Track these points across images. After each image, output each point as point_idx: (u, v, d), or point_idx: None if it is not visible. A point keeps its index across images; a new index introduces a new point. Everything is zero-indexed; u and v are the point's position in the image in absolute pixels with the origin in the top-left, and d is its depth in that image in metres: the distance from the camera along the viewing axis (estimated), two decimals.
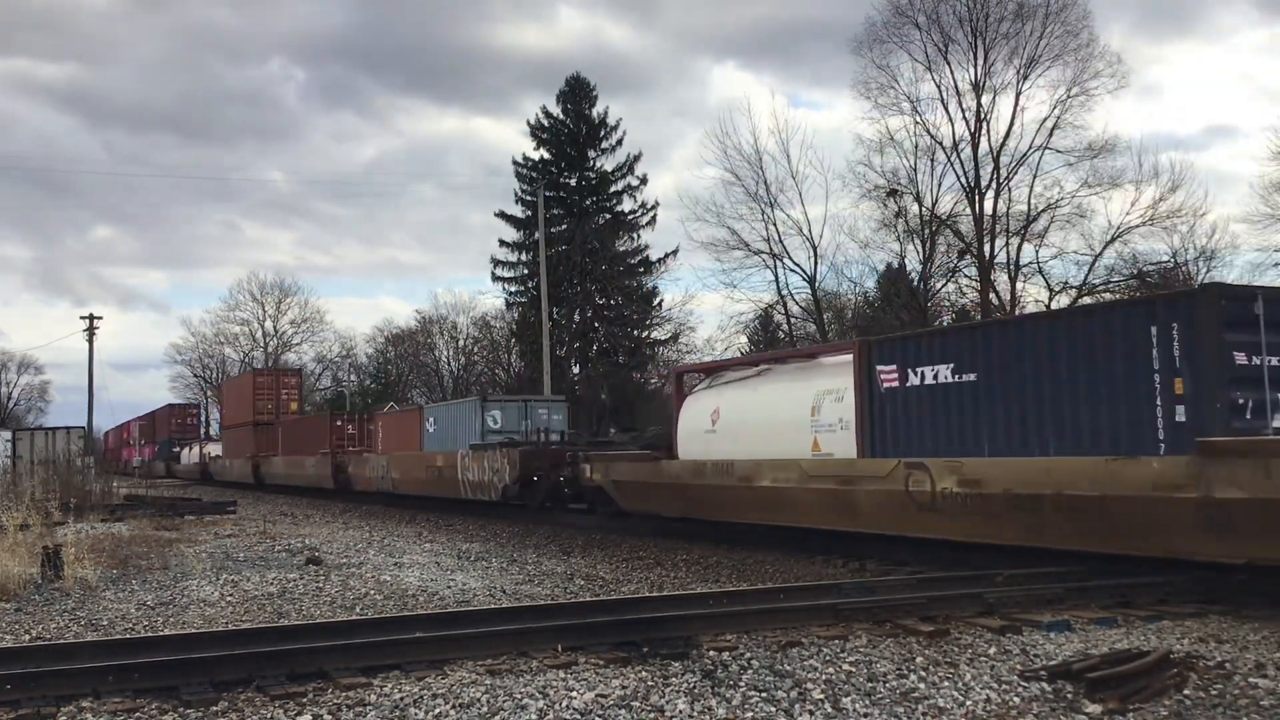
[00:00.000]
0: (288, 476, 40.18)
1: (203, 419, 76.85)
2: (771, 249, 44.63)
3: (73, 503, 22.61)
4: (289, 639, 7.89)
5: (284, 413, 47.29)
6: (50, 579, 12.73)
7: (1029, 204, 40.74)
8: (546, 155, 56.50)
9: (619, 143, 56.41)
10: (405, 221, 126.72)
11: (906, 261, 44.20)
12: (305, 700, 6.67)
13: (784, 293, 45.53)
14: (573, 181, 56.27)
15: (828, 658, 7.67)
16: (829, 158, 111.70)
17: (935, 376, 12.56)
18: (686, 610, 8.83)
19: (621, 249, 55.63)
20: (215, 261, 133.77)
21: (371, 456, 32.49)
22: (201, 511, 26.47)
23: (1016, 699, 6.68)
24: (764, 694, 6.75)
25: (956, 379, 12.28)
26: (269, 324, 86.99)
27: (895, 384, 13.12)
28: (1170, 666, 7.15)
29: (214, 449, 56.26)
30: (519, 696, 6.66)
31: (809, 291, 45.37)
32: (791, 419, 14.81)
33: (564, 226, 54.74)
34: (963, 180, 41.68)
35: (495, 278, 58.26)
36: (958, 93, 41.49)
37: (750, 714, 6.39)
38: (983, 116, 41.20)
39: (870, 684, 6.97)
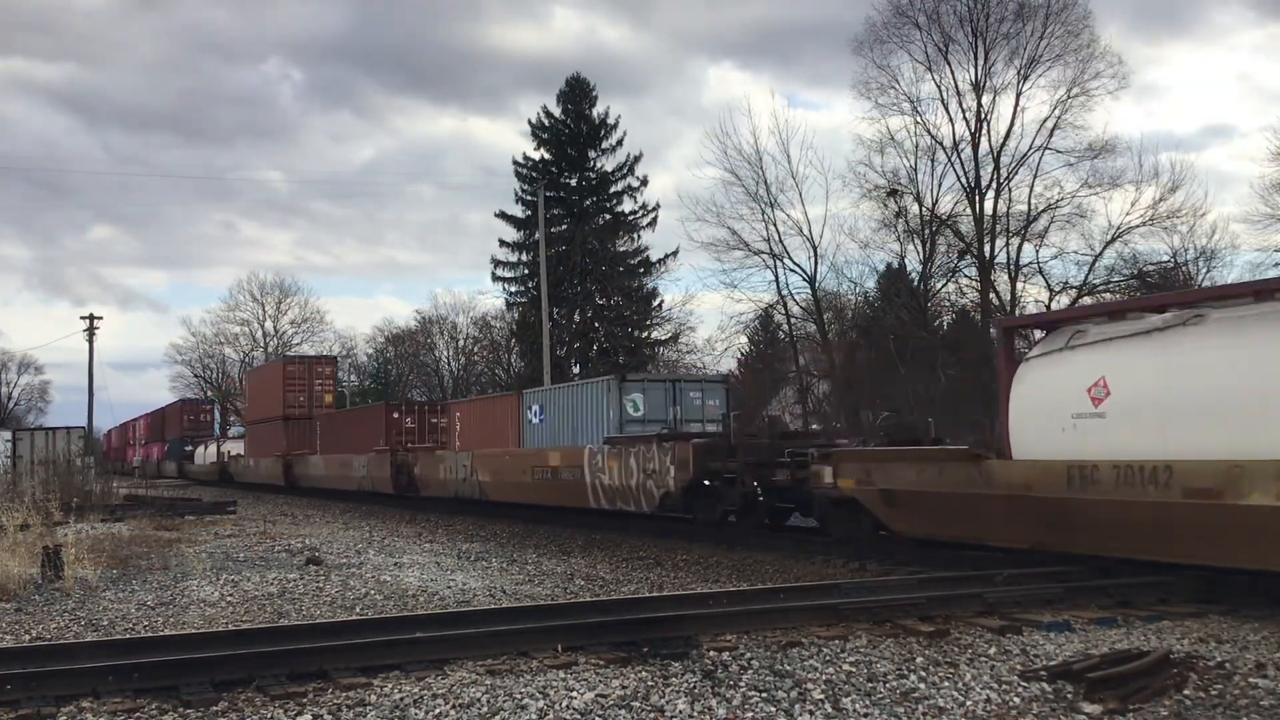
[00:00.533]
0: (330, 478, 35.39)
1: (216, 416, 72.54)
2: (772, 249, 44.66)
3: (74, 503, 22.61)
4: (289, 639, 7.89)
5: (318, 405, 41.84)
6: (50, 579, 12.73)
7: (1029, 204, 40.78)
8: (547, 155, 56.49)
9: (619, 143, 56.43)
10: (403, 221, 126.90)
11: (907, 261, 44.25)
12: (305, 700, 6.67)
13: (784, 293, 45.57)
14: (573, 182, 56.25)
15: (828, 658, 7.67)
16: (827, 158, 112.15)
17: None
18: (686, 610, 8.83)
19: (621, 249, 55.64)
20: (214, 261, 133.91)
21: (448, 454, 27.17)
22: (201, 512, 26.48)
23: (1016, 699, 6.68)
24: (764, 694, 6.75)
25: None
26: (269, 324, 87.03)
27: None
28: (1170, 667, 7.15)
29: (234, 447, 52.03)
30: (519, 697, 6.66)
31: (809, 292, 45.40)
32: None
33: (564, 227, 54.73)
34: (963, 180, 41.72)
35: (495, 278, 58.29)
36: (958, 93, 41.53)
37: (750, 714, 6.39)
38: (983, 117, 41.24)
39: (870, 684, 6.97)
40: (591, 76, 58.34)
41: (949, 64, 41.35)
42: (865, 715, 6.38)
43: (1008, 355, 12.62)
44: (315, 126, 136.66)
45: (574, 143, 56.09)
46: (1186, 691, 6.77)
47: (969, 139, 41.44)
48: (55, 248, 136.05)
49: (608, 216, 55.77)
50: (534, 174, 55.55)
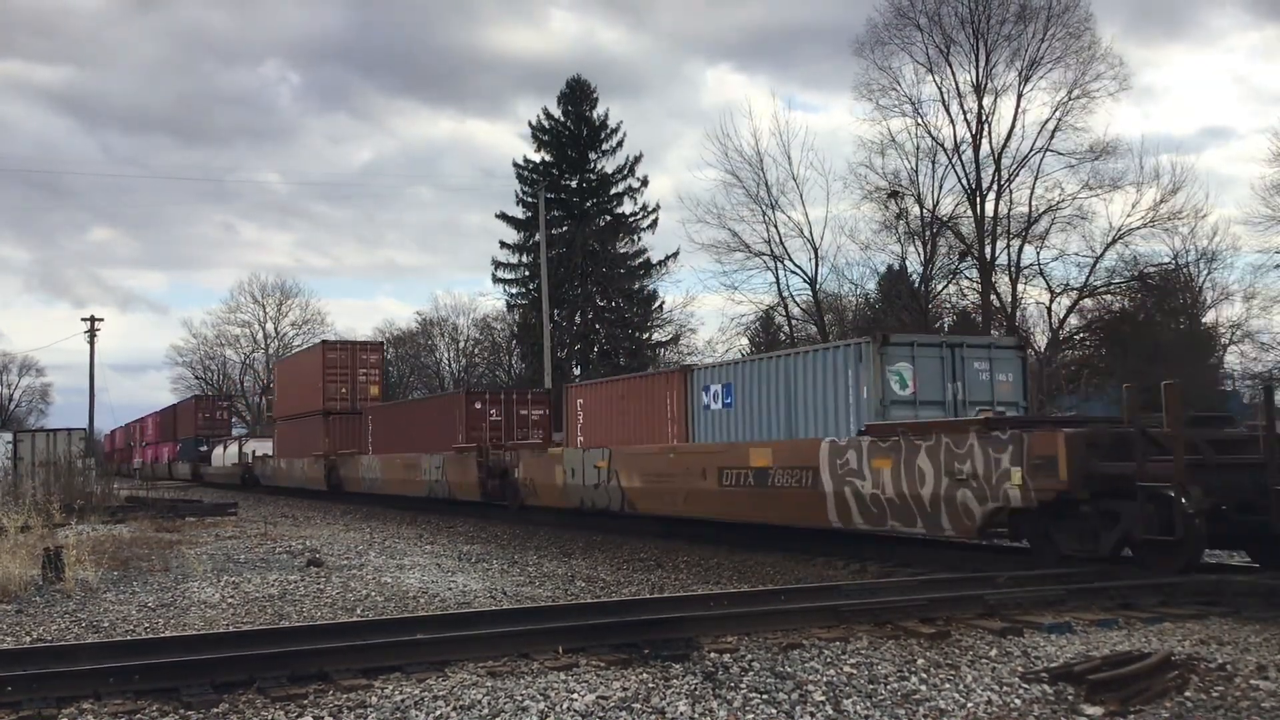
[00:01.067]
0: (389, 482, 30.02)
1: (234, 414, 67.46)
2: (772, 251, 44.66)
3: (75, 504, 22.62)
4: (289, 640, 7.88)
5: (362, 398, 36.44)
6: (51, 580, 12.73)
7: (1030, 206, 40.79)
8: (547, 157, 56.54)
9: (619, 145, 56.48)
10: (402, 223, 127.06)
11: (908, 263, 44.24)
12: (306, 702, 6.66)
13: (785, 294, 45.57)
14: (573, 183, 56.29)
15: (829, 659, 7.67)
16: (826, 160, 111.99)
17: None
18: (687, 612, 8.82)
19: (622, 251, 55.66)
20: (213, 263, 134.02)
21: (569, 453, 21.28)
22: (202, 513, 26.48)
23: (1017, 701, 6.68)
24: (765, 696, 6.75)
25: None
26: (270, 325, 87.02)
27: None
28: (1171, 668, 7.14)
29: (258, 446, 47.05)
30: (520, 698, 6.66)
31: (810, 293, 45.41)
32: None
33: (565, 228, 54.77)
34: (964, 182, 41.72)
35: (496, 279, 58.33)
36: (959, 94, 41.52)
37: (751, 716, 6.39)
38: (984, 118, 41.24)
39: (871, 686, 6.97)
40: (590, 79, 58.23)
41: (950, 65, 41.37)
42: (866, 717, 6.38)
43: None
44: (313, 128, 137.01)
45: (574, 144, 56.12)
46: (1188, 693, 6.76)
47: (970, 140, 41.46)
48: (55, 249, 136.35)
49: (608, 218, 55.80)
50: (534, 176, 55.60)
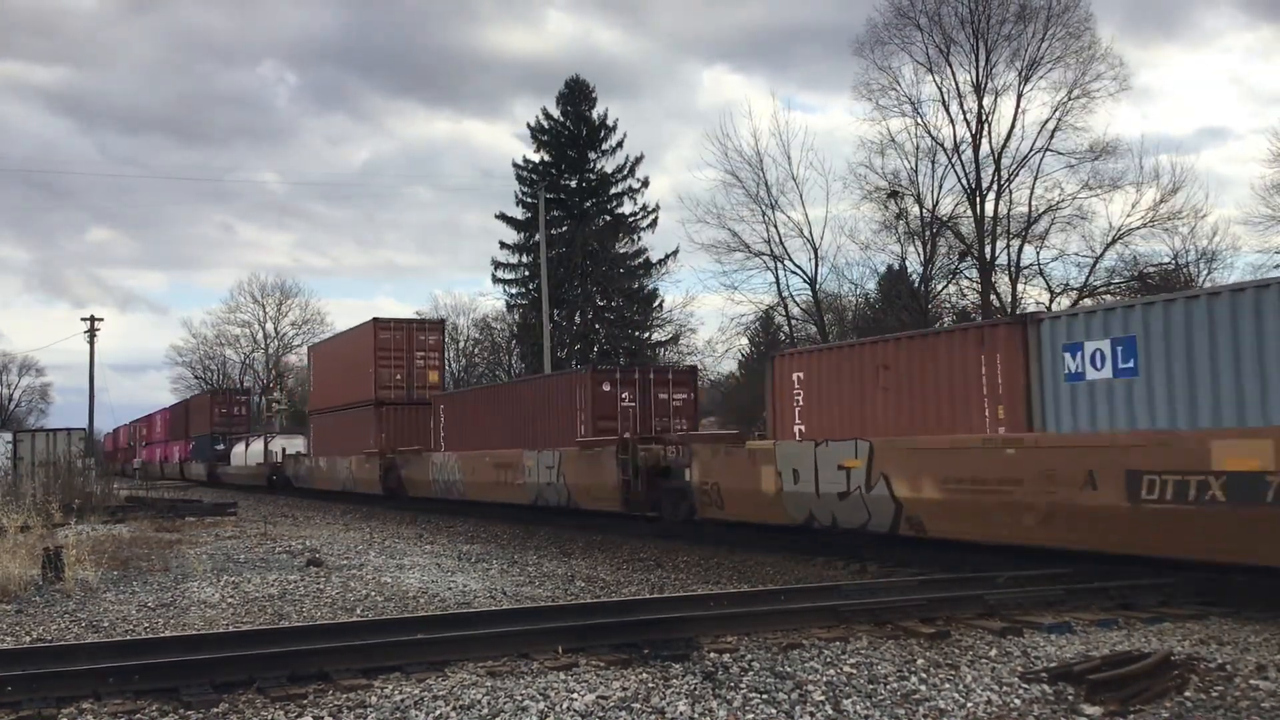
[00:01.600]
0: (476, 486, 24.26)
1: (257, 407, 60.78)
2: (772, 251, 44.66)
3: (75, 504, 22.62)
4: (289, 640, 7.89)
5: (419, 384, 31.45)
6: (51, 580, 12.73)
7: (1030, 206, 40.78)
8: (547, 157, 56.54)
9: (619, 145, 56.49)
10: (401, 223, 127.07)
11: (907, 263, 44.23)
12: (306, 701, 6.67)
13: (785, 294, 45.56)
14: (573, 184, 56.29)
15: (828, 659, 7.67)
16: (824, 160, 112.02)
17: None
18: (687, 612, 8.83)
19: (622, 251, 55.66)
20: (212, 263, 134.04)
21: (789, 447, 15.27)
22: (202, 513, 26.49)
23: (1017, 701, 6.68)
24: (765, 696, 6.75)
25: None
26: (270, 325, 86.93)
27: None
28: (1171, 668, 7.15)
29: (288, 443, 42.14)
30: (520, 698, 6.66)
31: (810, 293, 45.41)
32: None
33: (564, 228, 54.78)
34: (964, 182, 41.72)
35: (495, 279, 58.32)
36: (959, 94, 41.51)
37: (751, 716, 6.39)
38: (984, 118, 41.23)
39: (871, 686, 6.97)
40: (588, 79, 58.22)
41: (950, 65, 41.35)
42: (866, 717, 6.38)
43: None
44: (311, 129, 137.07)
45: (574, 144, 56.13)
46: (1187, 693, 6.76)
47: (970, 140, 41.45)
48: (54, 249, 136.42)
49: (608, 218, 55.81)
50: (534, 176, 55.61)
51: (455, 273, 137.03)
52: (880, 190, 42.45)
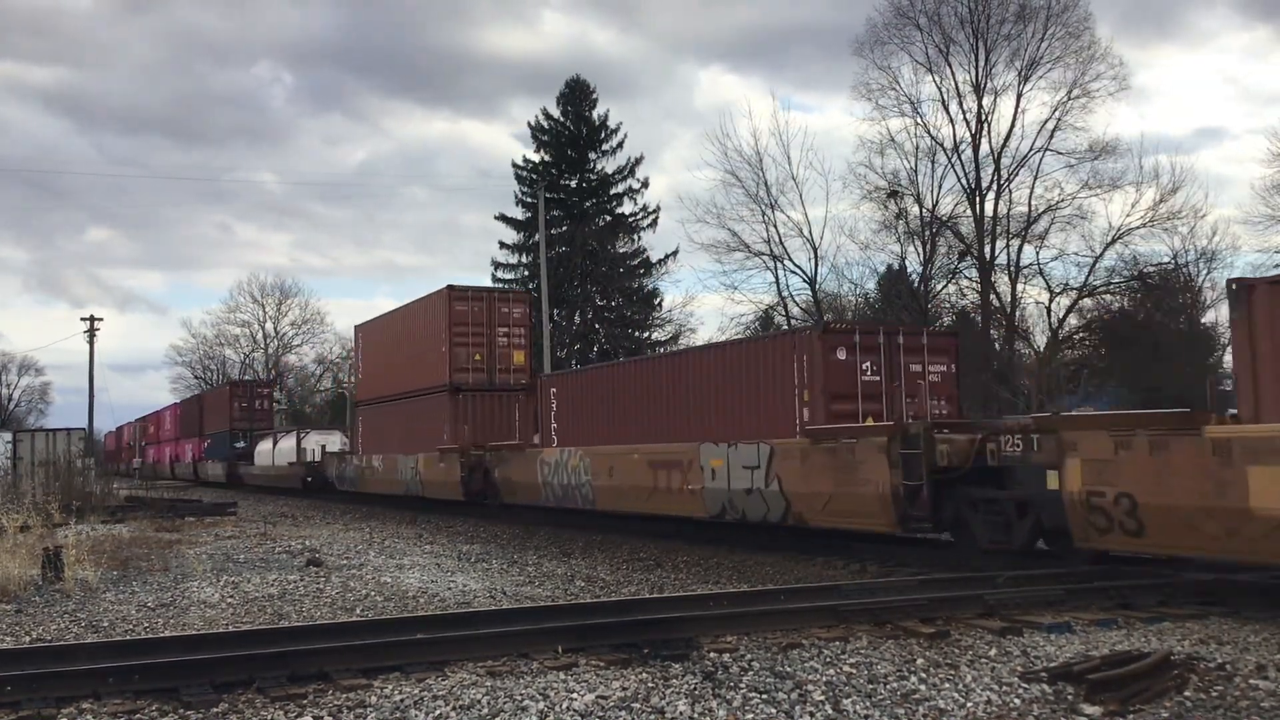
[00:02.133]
0: (623, 492, 18.44)
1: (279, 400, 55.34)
2: (772, 250, 44.73)
3: (75, 504, 22.62)
4: (289, 640, 7.89)
5: (503, 367, 26.13)
6: (51, 580, 12.73)
7: (1029, 205, 40.84)
8: (547, 157, 56.56)
9: (619, 145, 56.52)
10: (399, 224, 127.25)
11: (907, 263, 44.28)
12: (305, 701, 6.67)
13: (784, 294, 45.65)
14: (573, 184, 56.30)
15: (828, 659, 7.67)
16: (823, 160, 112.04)
17: None
18: (687, 612, 8.83)
19: (622, 250, 55.67)
20: (211, 263, 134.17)
21: None
22: (202, 513, 26.49)
23: (1017, 700, 6.68)
24: (765, 695, 6.75)
25: None
26: (269, 325, 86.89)
27: None
28: (1171, 668, 7.15)
29: (324, 440, 37.94)
30: (519, 698, 6.66)
31: (809, 293, 45.44)
32: None
33: (564, 228, 54.81)
34: (963, 182, 41.77)
35: (495, 279, 58.33)
36: (959, 94, 41.57)
37: (751, 715, 6.39)
38: (983, 118, 41.30)
39: (871, 685, 6.97)
40: (588, 79, 58.18)
41: (950, 65, 41.42)
42: (866, 716, 6.38)
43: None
44: (308, 129, 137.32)
45: (574, 145, 56.15)
46: (1187, 693, 6.77)
47: (969, 140, 41.51)
48: (52, 250, 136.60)
49: (608, 218, 55.83)
50: (534, 176, 55.61)
51: (454, 272, 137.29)
52: (880, 190, 42.52)
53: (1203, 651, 7.86)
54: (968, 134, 41.54)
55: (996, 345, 41.59)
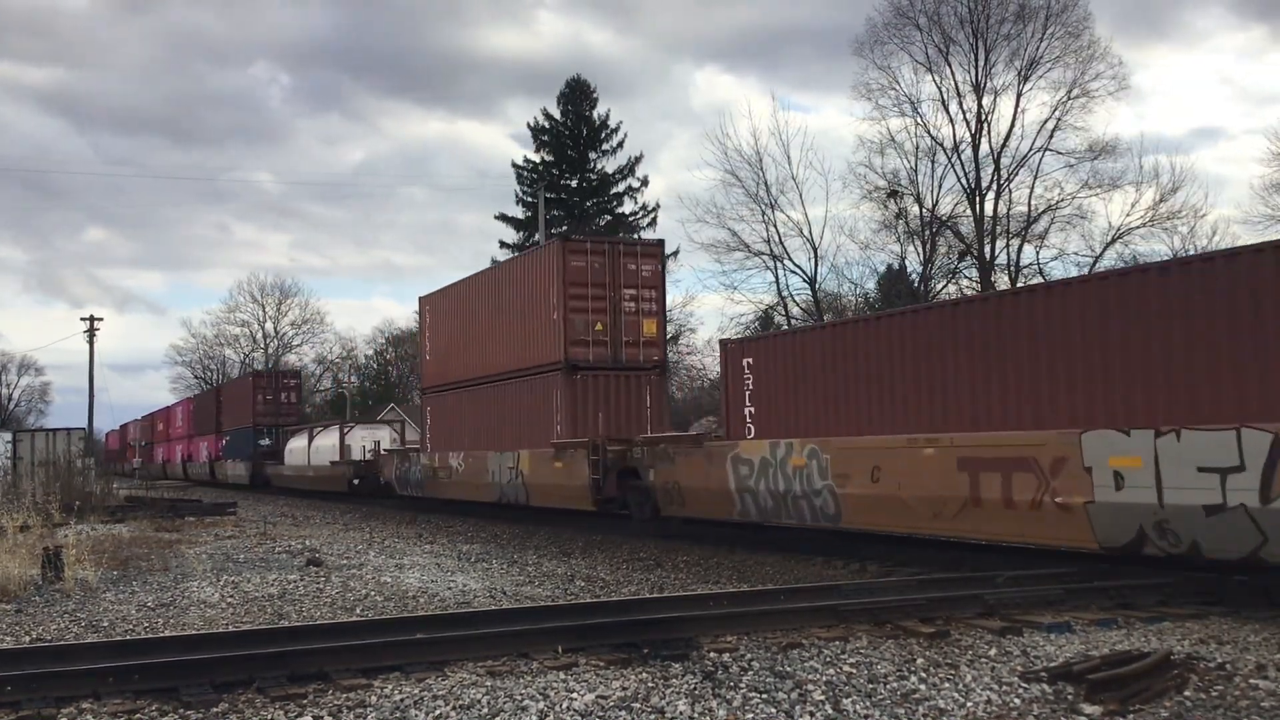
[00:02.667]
0: (912, 507, 12.64)
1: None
2: (772, 250, 44.72)
3: (75, 504, 22.63)
4: (289, 640, 7.89)
5: (629, 340, 20.58)
6: (51, 580, 12.73)
7: (1029, 205, 40.87)
8: (547, 157, 56.64)
9: (620, 145, 56.57)
10: (397, 223, 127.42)
11: (907, 263, 44.29)
12: (305, 701, 6.67)
13: (784, 294, 45.63)
14: (573, 183, 56.37)
15: (828, 659, 7.67)
16: (823, 160, 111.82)
17: None
18: (687, 612, 8.83)
19: None
20: (210, 263, 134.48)
21: None
22: (202, 513, 26.50)
23: (1017, 700, 6.68)
24: (765, 695, 6.75)
25: None
26: (269, 325, 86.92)
27: None
28: (1171, 668, 7.15)
29: (372, 436, 33.33)
30: (519, 698, 6.66)
31: (809, 293, 45.44)
32: None
33: (565, 228, 54.80)
34: (963, 181, 41.78)
35: None
36: (958, 94, 41.58)
37: (751, 715, 6.39)
38: (983, 118, 41.31)
39: (871, 685, 6.97)
40: (588, 79, 58.23)
41: (949, 65, 41.43)
42: (866, 716, 6.38)
43: None
44: (306, 129, 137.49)
45: (574, 144, 56.21)
46: (1187, 693, 6.77)
47: (969, 140, 41.52)
48: (51, 250, 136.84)
49: (608, 218, 55.85)
50: (534, 176, 55.68)
51: (452, 272, 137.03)
52: (880, 190, 42.55)
53: (1203, 651, 7.86)
54: (968, 134, 41.58)
55: None
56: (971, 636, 8.42)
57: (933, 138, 42.03)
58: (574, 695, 6.70)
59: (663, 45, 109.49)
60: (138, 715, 6.48)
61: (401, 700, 6.64)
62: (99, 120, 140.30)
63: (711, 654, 7.76)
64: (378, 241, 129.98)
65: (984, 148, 41.38)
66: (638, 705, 6.52)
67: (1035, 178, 40.74)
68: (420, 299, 27.88)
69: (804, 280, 45.19)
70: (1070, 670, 7.07)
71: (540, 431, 20.66)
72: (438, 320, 26.86)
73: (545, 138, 56.74)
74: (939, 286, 43.74)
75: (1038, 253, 41.39)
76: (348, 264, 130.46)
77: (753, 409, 15.85)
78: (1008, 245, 41.41)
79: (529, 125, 57.36)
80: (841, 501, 13.74)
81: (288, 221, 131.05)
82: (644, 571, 14.25)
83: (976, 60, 41.13)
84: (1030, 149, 40.74)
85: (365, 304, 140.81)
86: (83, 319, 73.14)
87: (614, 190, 56.37)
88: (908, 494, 12.72)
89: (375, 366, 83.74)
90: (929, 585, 10.31)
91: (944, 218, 42.21)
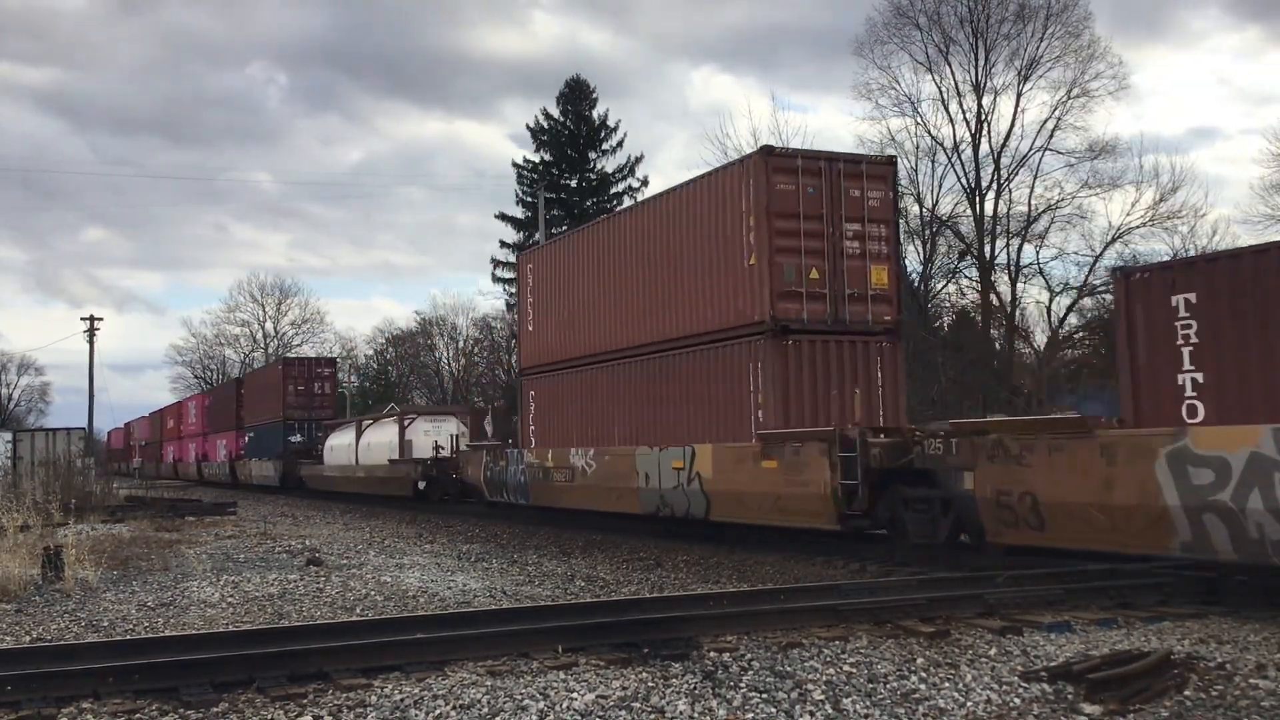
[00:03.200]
0: None
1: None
2: None
3: (75, 504, 22.63)
4: (289, 640, 7.89)
5: (854, 293, 15.15)
6: (51, 580, 12.74)
7: (1029, 205, 40.87)
8: (547, 157, 56.69)
9: (619, 145, 56.61)
10: (396, 223, 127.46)
11: (907, 262, 44.27)
12: (305, 701, 6.66)
13: None
14: (573, 183, 56.41)
15: (828, 659, 7.67)
16: None
17: None
18: (687, 611, 8.83)
19: None
20: (208, 263, 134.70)
21: None
22: (202, 513, 26.51)
23: (1017, 700, 6.68)
24: (764, 695, 6.75)
25: None
26: (269, 325, 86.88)
27: None
28: (1171, 668, 7.15)
29: (438, 427, 28.50)
30: (519, 697, 6.66)
31: None
32: None
33: (565, 228, 54.81)
34: (963, 181, 41.80)
35: (495, 279, 58.44)
36: (958, 94, 41.60)
37: (751, 715, 6.39)
38: (983, 118, 41.34)
39: (871, 685, 6.97)
40: (588, 79, 58.27)
41: (949, 65, 41.43)
42: (866, 716, 6.38)
43: None
44: (303, 129, 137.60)
45: (574, 144, 56.25)
46: (1187, 692, 6.77)
47: (969, 140, 41.53)
48: (49, 250, 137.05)
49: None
50: (534, 175, 55.71)
51: (450, 271, 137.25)
52: None
53: (1203, 651, 7.86)
54: (967, 134, 41.60)
55: (996, 345, 41.61)
56: (971, 636, 8.42)
57: (933, 137, 42.09)
58: (574, 695, 6.70)
59: (659, 45, 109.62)
60: (138, 715, 6.48)
61: (401, 700, 6.64)
62: (97, 120, 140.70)
63: (711, 653, 7.76)
64: (376, 241, 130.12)
65: (984, 147, 41.43)
66: (638, 705, 6.52)
67: (1035, 177, 40.80)
68: (520, 257, 23.84)
69: None
70: (1070, 670, 7.07)
71: (730, 419, 15.38)
72: (547, 282, 21.49)
73: (545, 137, 56.79)
74: (939, 286, 43.79)
75: (1038, 252, 41.44)
76: (346, 264, 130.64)
77: (1197, 376, 10.44)
78: (1008, 245, 41.45)
79: (529, 125, 57.51)
80: None
81: (286, 221, 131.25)
82: (644, 571, 14.25)
83: (976, 60, 41.18)
84: (1030, 149, 40.81)
85: (365, 304, 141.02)
86: (83, 319, 73.25)
87: (614, 190, 56.42)
88: None
89: (375, 366, 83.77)
90: (929, 585, 10.31)
91: (944, 217, 42.23)
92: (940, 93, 41.81)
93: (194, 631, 9.37)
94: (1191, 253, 40.20)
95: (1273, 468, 9.01)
